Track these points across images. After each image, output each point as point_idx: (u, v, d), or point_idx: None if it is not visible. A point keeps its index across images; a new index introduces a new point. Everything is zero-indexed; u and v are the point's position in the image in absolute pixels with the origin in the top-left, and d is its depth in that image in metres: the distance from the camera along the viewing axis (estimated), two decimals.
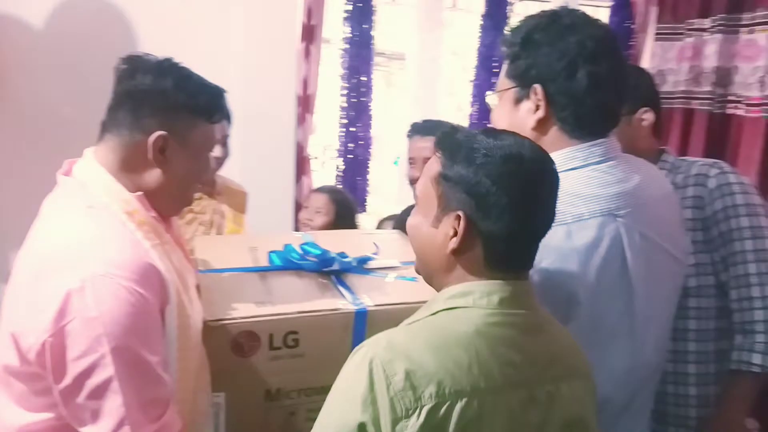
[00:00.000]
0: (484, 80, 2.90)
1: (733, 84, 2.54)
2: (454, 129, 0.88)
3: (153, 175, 0.98)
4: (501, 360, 0.76)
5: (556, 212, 0.90)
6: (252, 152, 2.20)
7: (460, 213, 0.80)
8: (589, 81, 0.95)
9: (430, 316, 0.82)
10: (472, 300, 0.80)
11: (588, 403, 0.84)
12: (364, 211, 2.82)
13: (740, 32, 2.49)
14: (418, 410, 0.71)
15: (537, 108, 0.99)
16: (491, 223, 0.79)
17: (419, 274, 0.92)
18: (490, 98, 1.10)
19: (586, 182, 0.96)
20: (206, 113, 1.02)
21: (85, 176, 0.98)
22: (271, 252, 1.30)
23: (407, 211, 2.00)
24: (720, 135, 2.60)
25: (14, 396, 0.92)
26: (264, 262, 1.30)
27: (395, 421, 0.71)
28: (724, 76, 2.56)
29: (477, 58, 2.92)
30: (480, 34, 2.89)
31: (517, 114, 1.01)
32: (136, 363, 0.86)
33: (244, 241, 1.49)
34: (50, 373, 0.85)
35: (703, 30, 2.63)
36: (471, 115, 2.92)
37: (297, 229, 2.55)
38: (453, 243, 0.81)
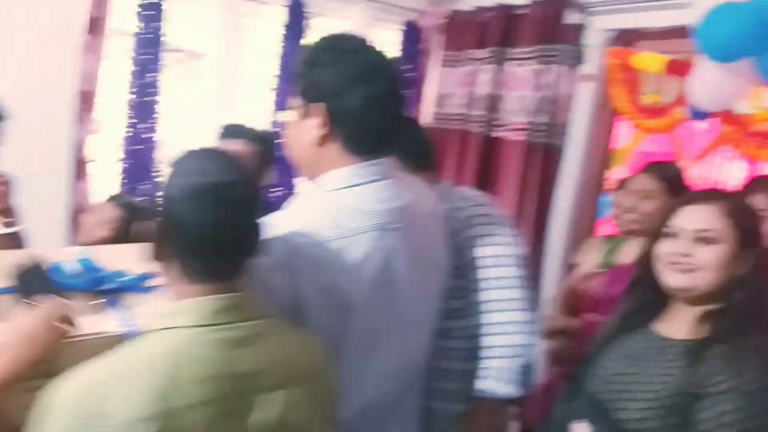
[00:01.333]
0: (285, 88, 2.92)
1: (501, 110, 2.91)
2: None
3: None
4: (197, 377, 0.78)
5: (338, 226, 0.97)
6: (23, 152, 1.94)
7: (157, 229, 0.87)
8: (364, 101, 1.01)
9: (137, 342, 0.83)
10: (180, 319, 0.82)
11: (306, 407, 0.88)
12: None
13: (508, 64, 2.86)
14: None
15: (319, 125, 1.04)
16: (174, 238, 0.84)
17: None
18: (282, 114, 1.14)
19: (365, 198, 1.03)
20: None
21: None
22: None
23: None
24: (489, 154, 2.96)
25: None
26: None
27: None
28: (494, 102, 2.92)
29: (279, 67, 2.93)
30: (283, 44, 2.91)
31: (302, 130, 1.06)
32: None
33: (12, 257, 1.30)
34: None
35: (479, 60, 2.96)
36: (274, 122, 2.92)
37: (74, 241, 2.30)
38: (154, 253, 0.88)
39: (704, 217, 1.13)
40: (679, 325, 1.15)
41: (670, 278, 1.14)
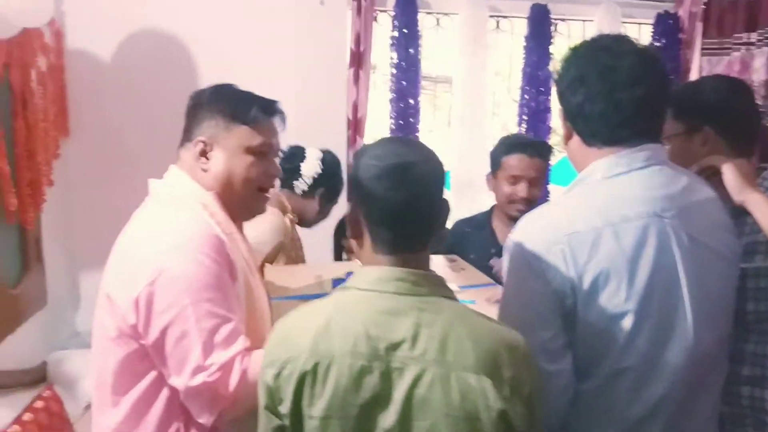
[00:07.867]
0: (530, 100, 2.95)
1: None
2: None
3: (206, 176, 1.14)
4: (342, 329, 0.86)
5: (606, 214, 0.99)
6: None
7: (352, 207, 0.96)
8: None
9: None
10: (353, 281, 0.92)
11: (443, 390, 0.84)
12: None
13: None
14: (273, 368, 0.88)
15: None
16: (365, 212, 0.91)
17: None
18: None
19: (630, 186, 1.02)
20: (238, 116, 1.13)
21: (169, 179, 1.17)
22: (335, 279, 1.39)
23: None
24: None
25: (117, 364, 1.06)
26: (330, 289, 1.38)
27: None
28: None
29: (522, 79, 2.97)
30: (524, 55, 2.95)
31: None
32: (213, 315, 1.01)
33: (308, 270, 1.58)
34: (141, 329, 1.02)
35: (751, 44, 2.62)
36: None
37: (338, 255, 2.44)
38: (350, 232, 0.96)
39: None
40: None
41: None
